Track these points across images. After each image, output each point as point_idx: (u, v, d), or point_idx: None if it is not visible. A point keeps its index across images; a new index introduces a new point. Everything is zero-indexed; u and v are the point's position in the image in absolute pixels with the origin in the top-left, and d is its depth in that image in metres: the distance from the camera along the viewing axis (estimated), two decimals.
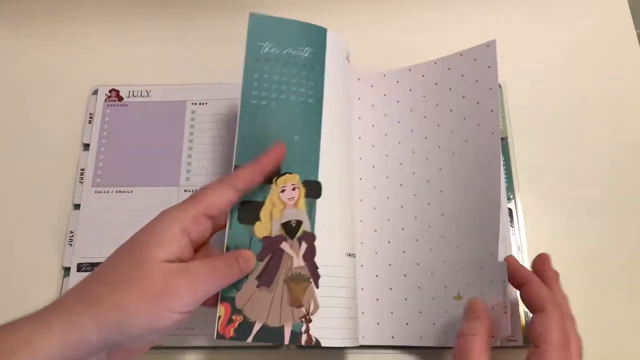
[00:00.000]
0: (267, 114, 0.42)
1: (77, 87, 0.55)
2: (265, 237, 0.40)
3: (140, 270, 0.33)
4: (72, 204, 0.50)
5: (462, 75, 0.46)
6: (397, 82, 0.48)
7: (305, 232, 0.41)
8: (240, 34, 0.45)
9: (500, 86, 0.53)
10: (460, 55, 0.46)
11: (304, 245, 0.40)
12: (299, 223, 0.41)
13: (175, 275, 0.34)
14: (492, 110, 0.44)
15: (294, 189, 0.41)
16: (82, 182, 0.50)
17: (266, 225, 0.40)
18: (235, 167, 0.41)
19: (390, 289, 0.44)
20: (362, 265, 0.45)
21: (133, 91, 0.54)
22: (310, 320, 0.39)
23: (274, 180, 0.41)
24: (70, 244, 0.48)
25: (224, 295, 0.38)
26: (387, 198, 0.46)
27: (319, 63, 0.44)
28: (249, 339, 0.38)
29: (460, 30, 0.56)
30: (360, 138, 0.48)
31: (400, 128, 0.48)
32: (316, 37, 0.44)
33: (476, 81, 0.45)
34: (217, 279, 0.36)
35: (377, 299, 0.44)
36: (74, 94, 0.54)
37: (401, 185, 0.46)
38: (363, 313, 0.44)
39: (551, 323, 0.36)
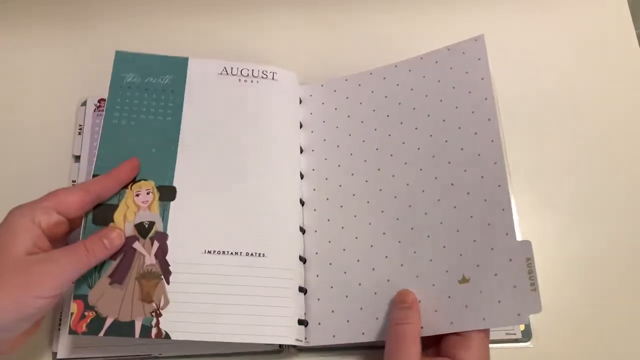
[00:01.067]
0: (127, 131, 0.46)
1: (65, 99, 0.54)
2: None
3: (1, 268, 0.38)
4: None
5: (451, 68, 0.47)
6: (384, 78, 0.49)
7: (157, 232, 0.44)
8: (230, 38, 0.53)
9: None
10: (448, 49, 0.47)
11: (156, 244, 0.43)
12: (152, 224, 0.44)
13: (35, 264, 0.38)
14: (486, 98, 0.44)
15: (148, 193, 0.45)
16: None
17: (119, 226, 0.44)
18: (94, 176, 0.45)
19: (388, 280, 0.44)
20: (358, 260, 0.46)
21: None
22: (160, 315, 0.42)
23: (129, 186, 0.45)
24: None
25: (77, 293, 0.42)
26: (380, 190, 0.47)
27: (179, 87, 0.48)
28: (101, 334, 0.41)
29: (452, 29, 0.56)
30: (350, 135, 0.49)
31: (390, 122, 0.48)
32: (177, 66, 0.49)
33: (466, 72, 0.46)
34: (79, 261, 0.40)
35: (375, 293, 0.44)
36: (62, 105, 0.54)
37: (393, 176, 0.47)
38: (361, 309, 0.44)
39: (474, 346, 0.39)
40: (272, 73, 0.51)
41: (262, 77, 0.50)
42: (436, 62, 0.47)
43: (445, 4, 0.58)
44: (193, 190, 0.46)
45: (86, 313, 0.42)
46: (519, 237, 0.41)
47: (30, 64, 0.57)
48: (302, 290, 0.46)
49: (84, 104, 0.54)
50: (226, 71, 0.50)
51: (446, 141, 0.45)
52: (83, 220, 0.43)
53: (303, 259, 0.47)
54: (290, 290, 0.45)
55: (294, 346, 0.46)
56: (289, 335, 0.43)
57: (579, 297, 0.47)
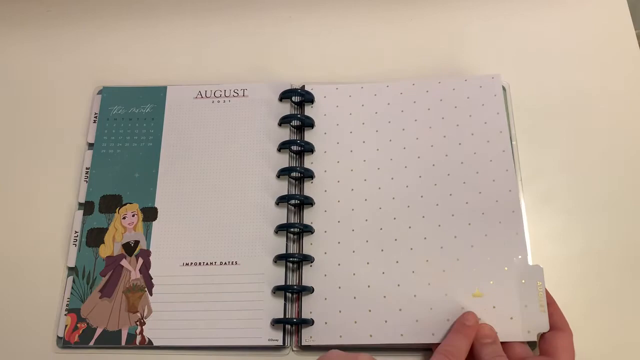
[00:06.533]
0: (114, 159, 0.52)
1: (82, 87, 0.56)
2: (108, 257, 0.48)
3: None
4: (77, 202, 0.51)
5: (468, 98, 0.50)
6: (401, 93, 0.52)
7: (142, 250, 0.48)
8: (250, 33, 0.56)
9: (504, 88, 0.53)
10: (465, 80, 0.51)
11: (140, 261, 0.48)
12: (137, 243, 0.49)
13: None
14: (501, 132, 0.49)
15: (133, 215, 0.50)
16: (87, 181, 0.52)
17: (109, 247, 0.49)
18: (85, 202, 0.50)
19: (398, 285, 0.45)
20: (368, 263, 0.46)
21: None
22: (144, 323, 0.46)
23: (117, 209, 0.50)
24: (75, 244, 0.50)
25: (71, 307, 0.47)
26: (393, 199, 0.48)
27: (159, 114, 0.53)
28: (91, 343, 0.46)
29: (461, 33, 0.58)
30: (365, 142, 0.51)
31: (406, 135, 0.50)
32: (157, 94, 0.54)
33: (482, 105, 0.50)
34: None
35: (385, 297, 0.45)
36: (79, 93, 0.56)
37: (407, 186, 0.48)
38: (370, 311, 0.45)
39: (568, 343, 0.41)
40: (242, 90, 0.54)
41: (234, 95, 0.54)
42: (453, 89, 0.51)
43: (455, 9, 0.59)
44: (172, 210, 0.50)
45: (79, 325, 0.46)
46: (529, 258, 0.45)
47: (49, 52, 0.59)
48: (281, 289, 0.46)
49: (100, 92, 0.55)
50: (201, 95, 0.54)
51: (462, 163, 0.48)
52: (77, 243, 0.49)
53: (284, 256, 0.47)
54: (262, 293, 0.47)
55: (300, 344, 0.46)
56: (261, 336, 0.46)
57: (582, 301, 0.47)
